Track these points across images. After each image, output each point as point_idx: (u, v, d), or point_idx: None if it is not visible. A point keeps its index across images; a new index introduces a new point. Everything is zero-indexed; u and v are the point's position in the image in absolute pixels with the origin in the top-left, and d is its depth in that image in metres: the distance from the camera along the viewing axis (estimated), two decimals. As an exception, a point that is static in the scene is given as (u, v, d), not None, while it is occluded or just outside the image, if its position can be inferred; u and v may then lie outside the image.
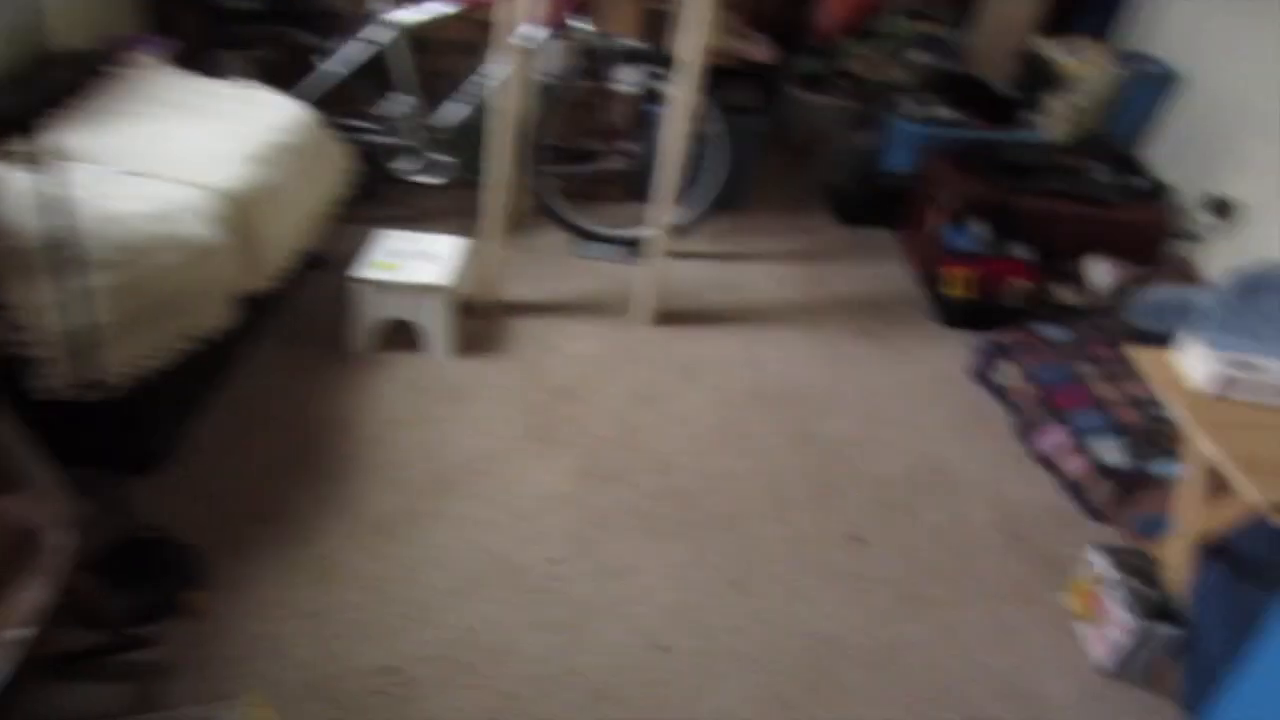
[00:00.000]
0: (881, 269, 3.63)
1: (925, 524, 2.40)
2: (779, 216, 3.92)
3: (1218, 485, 1.75)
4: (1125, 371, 2.83)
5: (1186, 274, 3.37)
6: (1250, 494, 1.60)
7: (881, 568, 2.25)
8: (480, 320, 3.00)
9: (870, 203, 3.87)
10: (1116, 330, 3.03)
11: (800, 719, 1.87)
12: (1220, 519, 1.86)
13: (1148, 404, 2.65)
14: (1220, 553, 1.89)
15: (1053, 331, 2.99)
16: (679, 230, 3.37)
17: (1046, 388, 2.76)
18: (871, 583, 2.21)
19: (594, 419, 2.65)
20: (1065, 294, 3.30)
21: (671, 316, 3.14)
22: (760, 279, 3.45)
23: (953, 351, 3.16)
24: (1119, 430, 2.57)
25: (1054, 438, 2.64)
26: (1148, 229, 3.42)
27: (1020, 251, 3.27)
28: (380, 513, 2.24)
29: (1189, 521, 1.91)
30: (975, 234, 3.24)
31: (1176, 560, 1.93)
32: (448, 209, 3.41)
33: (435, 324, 2.80)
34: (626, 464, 2.49)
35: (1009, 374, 2.91)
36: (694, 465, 2.51)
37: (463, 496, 2.33)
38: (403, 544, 2.17)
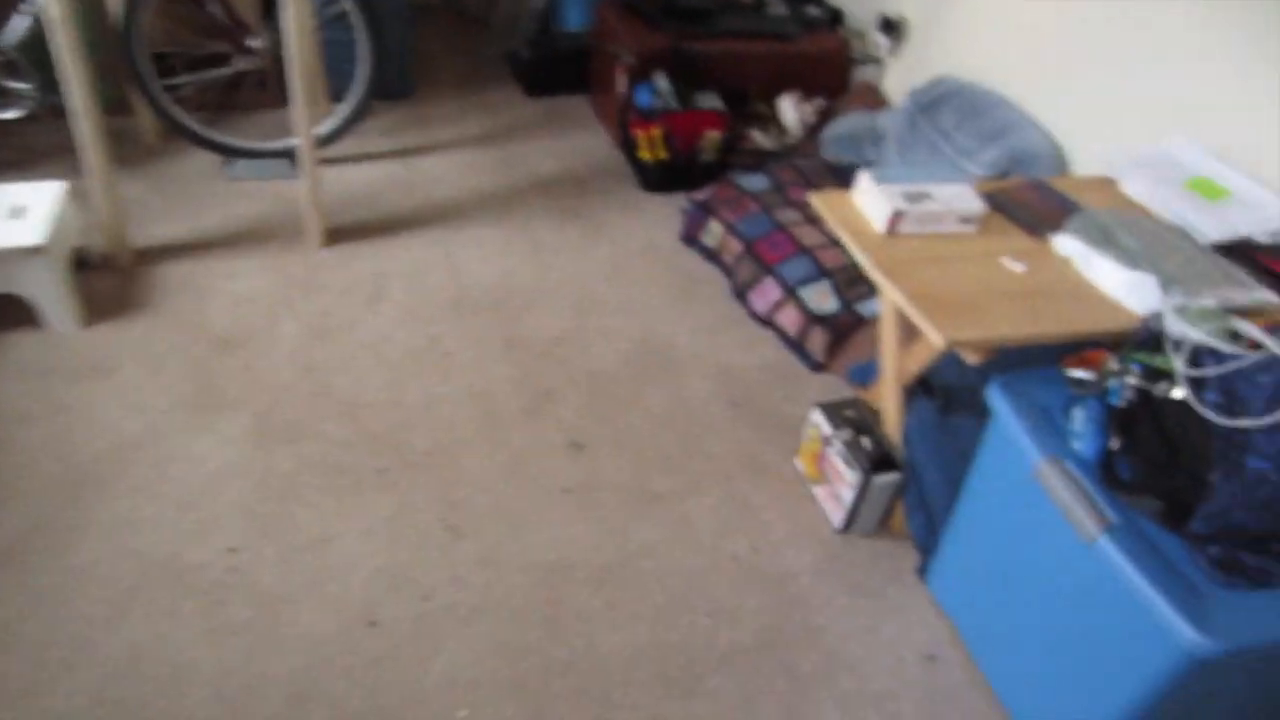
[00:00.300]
0: (578, 140, 3.38)
1: (649, 412, 2.25)
2: (459, 98, 3.55)
3: (910, 325, 1.68)
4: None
5: (873, 99, 3.36)
6: (931, 335, 1.52)
7: (607, 472, 2.08)
8: (110, 276, 2.48)
9: (555, 69, 3.58)
10: (813, 169, 2.96)
11: (537, 664, 1.69)
12: (919, 359, 1.81)
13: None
14: (924, 389, 1.85)
15: (752, 181, 2.88)
16: (339, 131, 2.94)
17: (752, 242, 2.65)
18: (598, 491, 2.03)
19: (266, 367, 2.27)
20: (760, 138, 3.19)
21: (347, 232, 2.74)
22: (446, 172, 3.10)
23: (661, 219, 2.99)
24: (826, 274, 2.50)
25: (767, 293, 2.55)
26: (830, 59, 3.35)
27: (709, 101, 3.11)
28: (0, 540, 1.79)
29: (891, 365, 1.85)
30: (659, 89, 3.03)
31: (889, 405, 1.88)
32: (51, 147, 2.78)
33: (44, 292, 2.27)
34: (309, 413, 2.15)
35: (715, 234, 2.78)
36: (389, 399, 2.20)
37: (110, 495, 1.91)
38: (35, 572, 1.75)
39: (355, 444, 2.08)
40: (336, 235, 2.71)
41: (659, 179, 3.07)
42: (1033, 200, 1.96)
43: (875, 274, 1.68)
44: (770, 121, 3.21)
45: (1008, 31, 2.80)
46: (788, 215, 2.72)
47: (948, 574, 1.79)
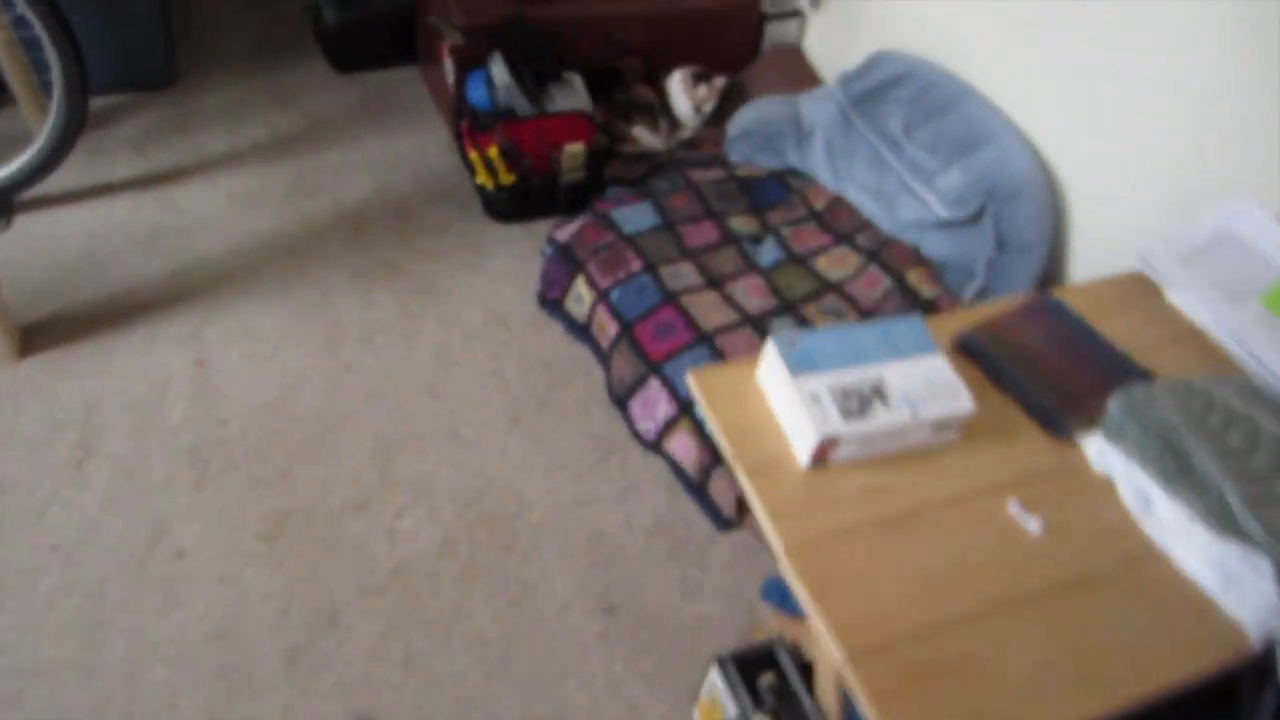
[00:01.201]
0: (405, 139, 2.52)
1: (479, 643, 1.54)
2: (243, 81, 2.63)
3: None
4: (729, 257, 2.02)
5: (794, 70, 2.54)
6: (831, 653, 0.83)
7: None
8: None
9: (373, 33, 2.68)
10: (718, 190, 2.18)
11: None
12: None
13: (776, 312, 1.87)
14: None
15: (633, 216, 2.08)
16: (37, 169, 2.05)
17: (632, 324, 1.89)
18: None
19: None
20: (645, 136, 2.38)
21: (52, 331, 1.91)
22: (213, 208, 2.24)
23: (513, 266, 2.20)
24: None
25: (654, 406, 1.81)
26: (733, 17, 2.51)
27: (569, 97, 2.27)
28: None
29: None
30: (497, 80, 2.18)
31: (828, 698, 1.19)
32: None
33: None
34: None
35: (584, 300, 2.01)
36: (73, 666, 1.45)
37: None
38: None
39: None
40: (35, 339, 1.88)
41: (508, 208, 2.26)
42: (1041, 346, 1.24)
43: (791, 575, 0.95)
44: (657, 112, 2.39)
45: None
46: (682, 277, 1.95)
47: None
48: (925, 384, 1.07)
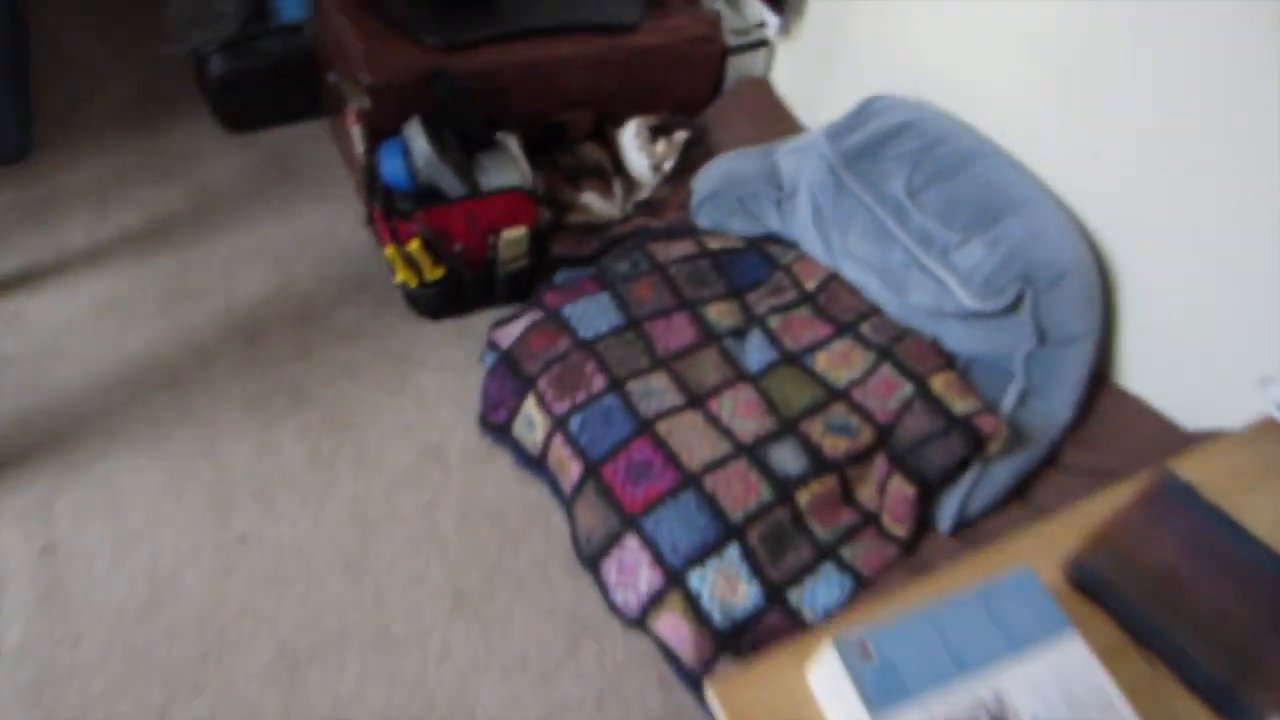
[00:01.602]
0: (308, 215, 2.11)
1: None
2: (114, 148, 2.20)
3: None
4: (711, 362, 1.65)
5: (764, 110, 2.18)
6: None
7: None
8: None
9: (268, 86, 2.25)
10: (688, 270, 1.81)
11: None
12: None
13: (775, 435, 1.51)
14: None
15: (588, 314, 1.71)
16: None
17: (598, 465, 1.51)
18: None
19: None
20: (596, 203, 2.00)
21: None
22: (71, 321, 1.81)
23: (447, 379, 1.81)
24: (732, 533, 1.40)
25: (632, 574, 1.44)
26: (692, 54, 2.14)
27: (501, 171, 1.87)
28: None
29: None
30: (416, 151, 1.78)
31: None
32: None
33: None
34: None
35: (536, 426, 1.63)
36: None
37: None
38: None
39: None
40: None
41: (436, 304, 1.87)
42: (1182, 566, 0.90)
43: None
44: (609, 173, 2.00)
45: (994, 16, 1.65)
46: (655, 395, 1.58)
47: None
48: (1064, 701, 0.71)
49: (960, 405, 1.52)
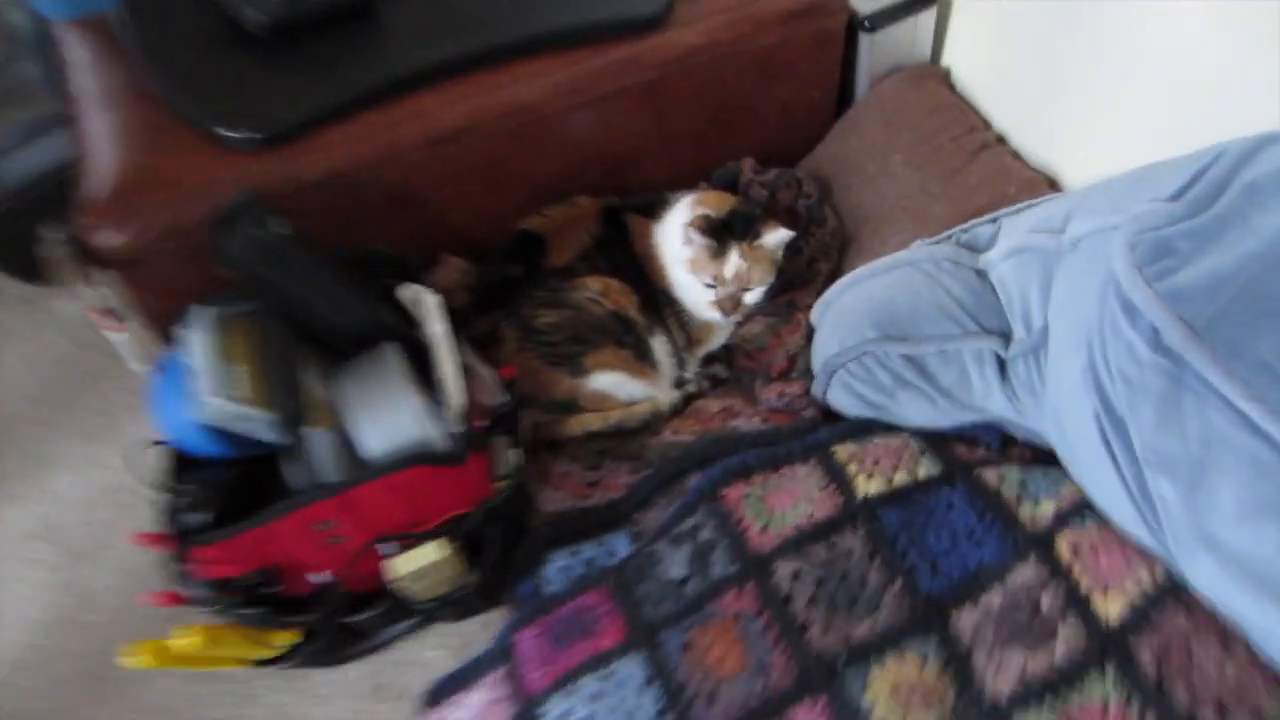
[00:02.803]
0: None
1: None
2: None
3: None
4: None
5: (944, 126, 1.12)
6: None
7: None
8: None
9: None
10: (814, 558, 0.80)
11: None
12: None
13: None
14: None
15: (590, 713, 0.73)
16: None
17: None
18: None
19: None
20: (611, 387, 0.99)
21: None
22: None
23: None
24: None
25: None
26: (786, 38, 1.08)
27: (392, 412, 0.86)
28: None
29: None
30: (198, 360, 0.80)
31: None
32: None
33: None
34: None
35: None
36: None
37: None
38: None
39: None
40: None
41: (310, 660, 0.92)
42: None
43: None
44: (634, 323, 1.00)
45: None
46: None
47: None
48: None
49: None
